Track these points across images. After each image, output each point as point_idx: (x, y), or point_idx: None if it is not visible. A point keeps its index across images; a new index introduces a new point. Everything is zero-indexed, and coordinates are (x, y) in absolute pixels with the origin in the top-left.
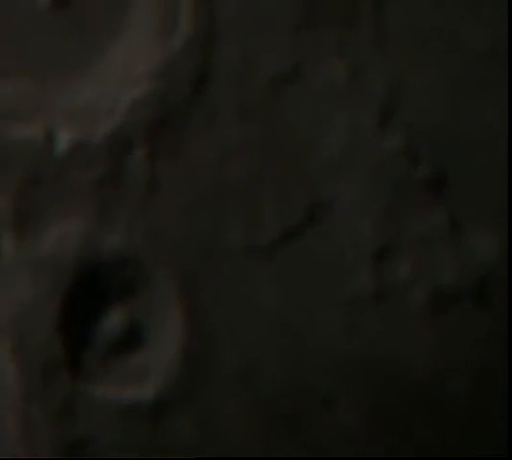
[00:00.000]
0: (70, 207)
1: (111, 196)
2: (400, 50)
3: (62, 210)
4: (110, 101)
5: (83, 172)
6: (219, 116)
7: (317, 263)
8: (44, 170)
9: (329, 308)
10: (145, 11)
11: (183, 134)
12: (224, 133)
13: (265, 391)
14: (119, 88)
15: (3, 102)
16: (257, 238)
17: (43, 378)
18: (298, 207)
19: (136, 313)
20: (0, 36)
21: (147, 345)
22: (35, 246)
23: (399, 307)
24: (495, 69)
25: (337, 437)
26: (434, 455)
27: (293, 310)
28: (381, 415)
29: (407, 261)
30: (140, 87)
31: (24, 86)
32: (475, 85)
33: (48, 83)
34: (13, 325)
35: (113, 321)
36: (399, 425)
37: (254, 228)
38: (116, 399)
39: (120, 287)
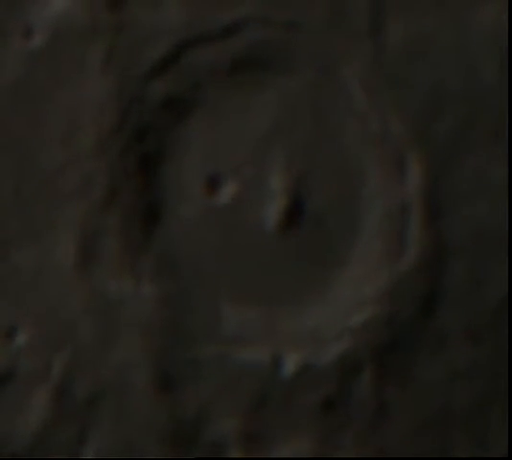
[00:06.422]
0: (298, 428)
1: (339, 418)
2: None
3: (290, 431)
4: (338, 323)
5: (311, 394)
6: (447, 338)
7: None
8: (272, 392)
9: None
10: (373, 233)
11: (411, 356)
12: (453, 355)
13: None
14: (347, 311)
15: (231, 326)
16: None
17: None
18: None
19: None
20: (228, 260)
21: None
22: None
23: None
24: None
25: None
26: None
27: None
28: None
29: None
30: (368, 310)
31: (252, 311)
32: None
33: (276, 307)
34: None
35: None
36: None
37: (480, 449)
38: None
39: None
